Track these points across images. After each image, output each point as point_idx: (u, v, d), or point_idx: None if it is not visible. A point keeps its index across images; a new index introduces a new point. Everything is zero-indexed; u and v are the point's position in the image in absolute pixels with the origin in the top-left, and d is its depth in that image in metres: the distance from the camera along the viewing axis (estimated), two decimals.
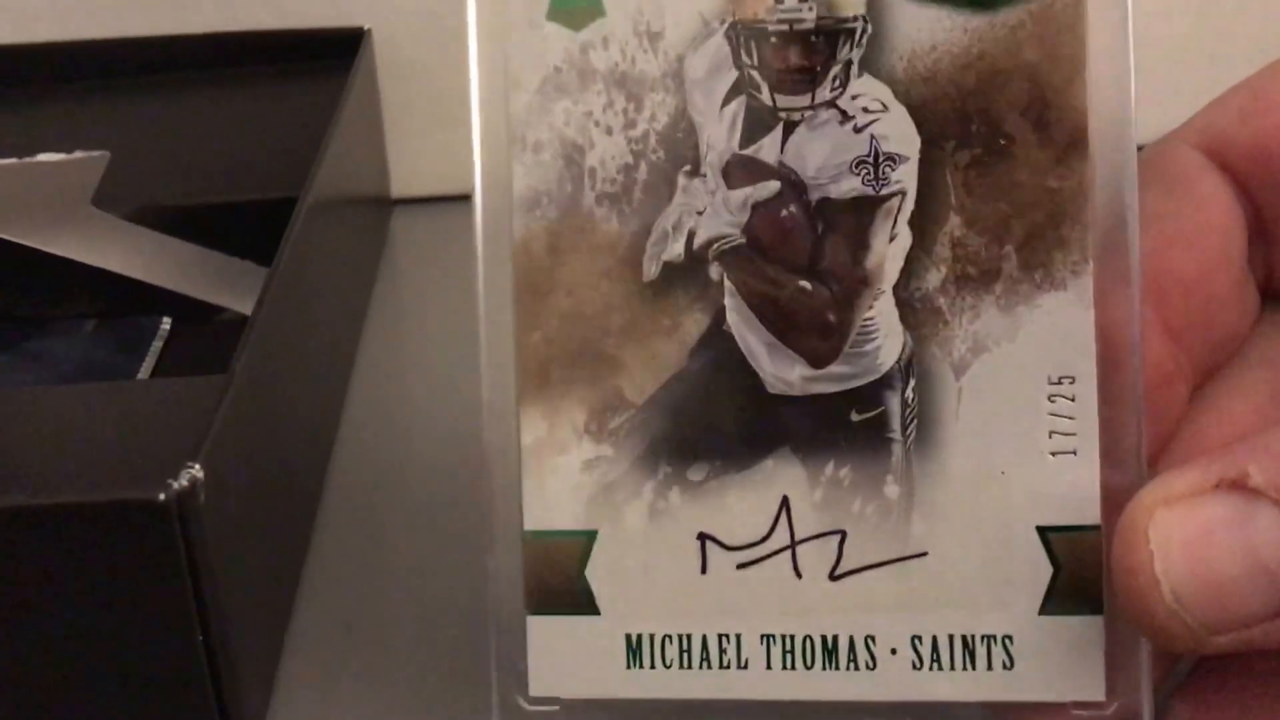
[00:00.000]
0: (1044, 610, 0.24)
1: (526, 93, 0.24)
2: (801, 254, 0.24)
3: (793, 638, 0.24)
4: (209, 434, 0.26)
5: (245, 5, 0.47)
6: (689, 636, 0.25)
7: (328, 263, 0.38)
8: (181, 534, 0.25)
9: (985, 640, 0.24)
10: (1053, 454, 0.24)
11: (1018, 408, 0.24)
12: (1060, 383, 0.24)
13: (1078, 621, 0.24)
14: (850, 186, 0.24)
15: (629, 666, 0.25)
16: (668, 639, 0.25)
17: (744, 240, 0.24)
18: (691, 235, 0.24)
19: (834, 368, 0.24)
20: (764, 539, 0.24)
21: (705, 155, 0.24)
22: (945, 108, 0.24)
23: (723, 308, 0.24)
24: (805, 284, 0.24)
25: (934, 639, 0.24)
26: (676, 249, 0.24)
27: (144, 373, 0.36)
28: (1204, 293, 0.24)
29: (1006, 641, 0.24)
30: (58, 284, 0.38)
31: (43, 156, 0.41)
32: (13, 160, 0.41)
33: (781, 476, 0.24)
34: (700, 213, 0.24)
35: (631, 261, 0.24)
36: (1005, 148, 0.23)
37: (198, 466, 0.25)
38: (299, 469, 0.34)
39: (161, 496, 0.24)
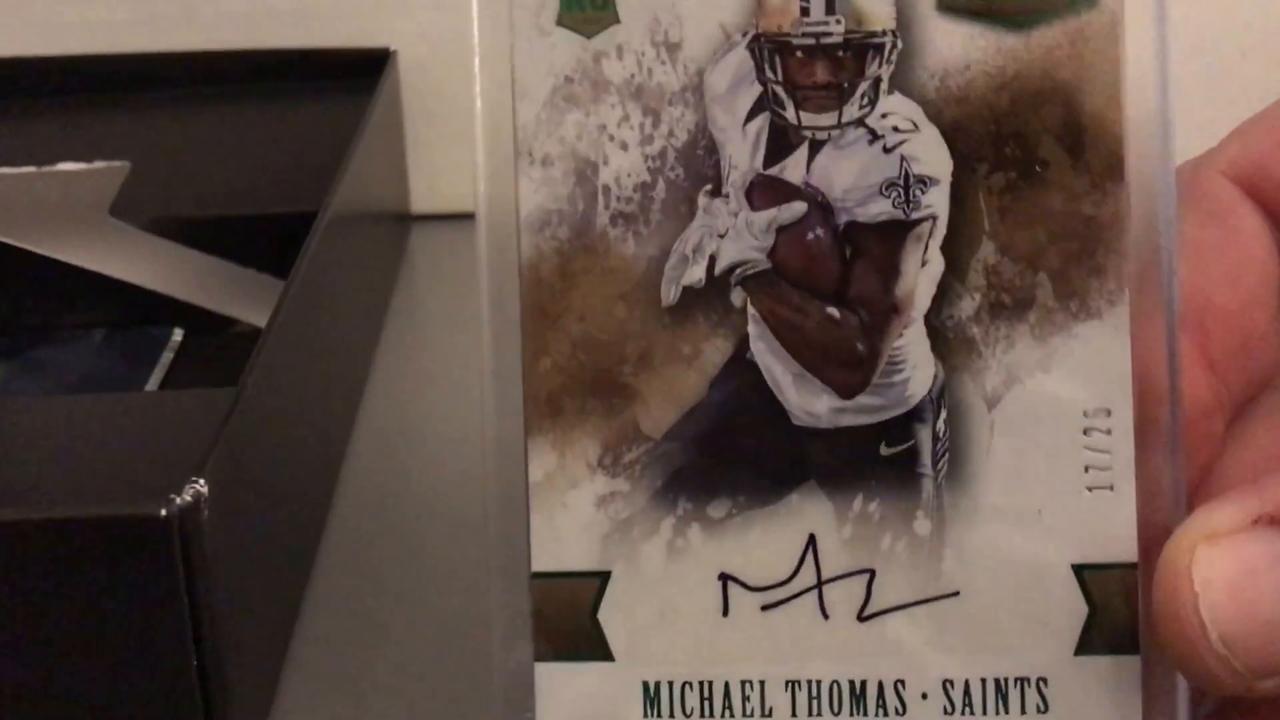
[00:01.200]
0: (1079, 650, 0.23)
1: (535, 103, 0.23)
2: (829, 280, 0.23)
3: (819, 683, 0.23)
4: (215, 448, 0.25)
5: (274, 24, 0.46)
6: (710, 684, 0.23)
7: (344, 277, 0.37)
8: (182, 551, 0.24)
9: (1019, 683, 0.23)
10: (1088, 489, 0.23)
11: (1052, 442, 0.23)
12: (1096, 416, 0.23)
13: (1114, 662, 0.23)
14: (880, 209, 0.23)
15: (645, 716, 0.23)
16: (687, 686, 0.23)
17: (769, 265, 0.23)
18: (713, 259, 0.23)
19: (862, 399, 0.23)
20: (789, 579, 0.23)
21: (727, 174, 0.23)
22: (979, 129, 0.23)
23: (746, 336, 0.23)
24: (833, 311, 0.23)
25: (966, 683, 0.23)
26: (697, 273, 0.23)
27: (153, 384, 0.36)
28: (1244, 326, 0.24)
29: (1041, 684, 0.23)
30: (68, 292, 0.38)
31: (62, 165, 0.41)
32: (32, 169, 0.41)
33: (807, 513, 0.23)
34: (722, 235, 0.23)
35: (648, 285, 0.23)
36: (1040, 173, 0.23)
37: (202, 481, 0.24)
38: (307, 487, 0.33)
39: (163, 512, 0.23)
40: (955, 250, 0.23)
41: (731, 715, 0.23)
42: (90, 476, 0.26)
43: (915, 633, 0.23)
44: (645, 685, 0.23)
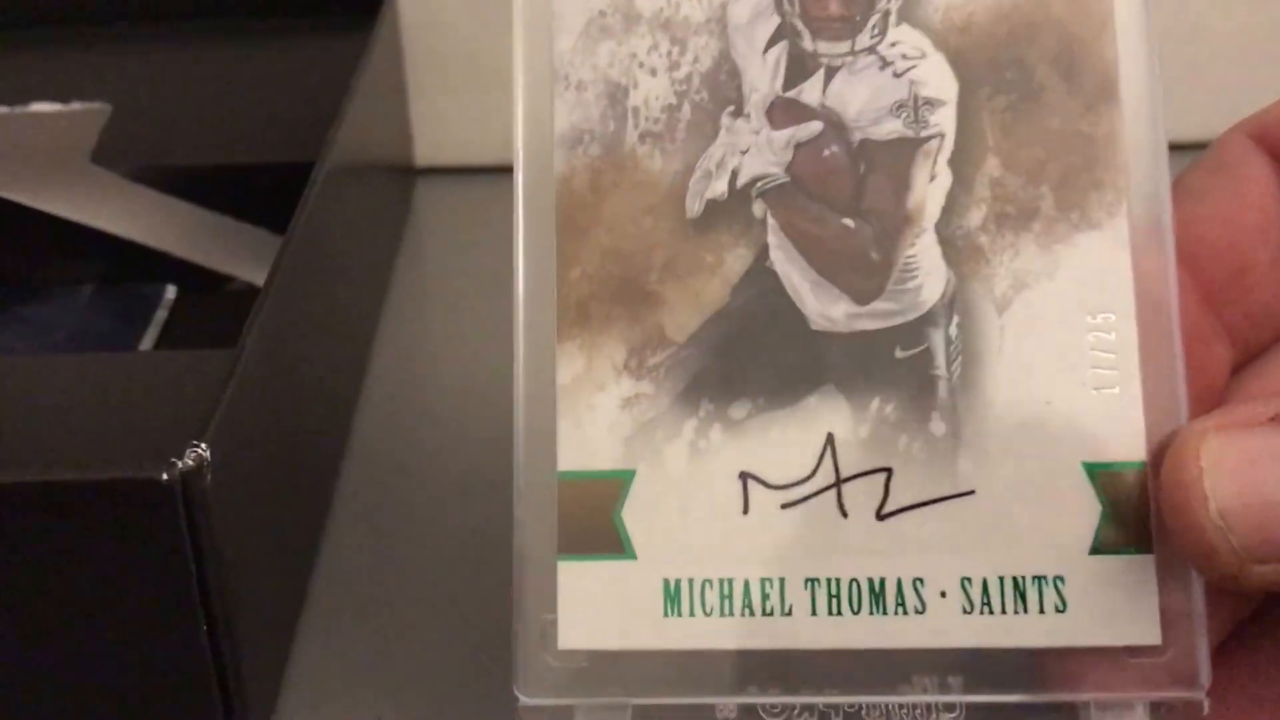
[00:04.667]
0: (1094, 550, 0.23)
1: (571, 35, 0.25)
2: (844, 193, 0.24)
3: (839, 581, 0.23)
4: (216, 411, 0.24)
5: None
6: (730, 581, 0.23)
7: (346, 232, 0.35)
8: (186, 517, 0.23)
9: (1036, 581, 0.23)
10: (1095, 389, 0.24)
11: (1060, 344, 0.24)
12: (1100, 318, 0.24)
13: (1128, 561, 0.23)
14: (891, 129, 0.24)
15: (666, 614, 0.23)
16: (707, 584, 0.23)
17: (788, 179, 0.24)
18: (735, 174, 0.24)
19: (878, 304, 0.24)
20: (808, 477, 0.24)
21: (749, 97, 0.25)
22: (981, 56, 0.24)
23: (766, 245, 0.24)
24: (848, 221, 0.24)
25: (984, 581, 0.23)
26: (720, 187, 0.24)
27: (146, 344, 0.34)
28: (1237, 263, 0.25)
29: (1058, 583, 0.23)
30: (52, 245, 0.36)
31: (37, 106, 0.38)
32: (4, 109, 0.38)
33: (826, 413, 0.24)
34: (744, 152, 0.24)
35: (674, 199, 0.24)
36: (1038, 95, 0.24)
37: (204, 445, 0.23)
38: (313, 449, 0.32)
39: (165, 476, 0.23)
40: (962, 165, 0.24)
41: (751, 612, 0.23)
42: (88, 439, 0.25)
43: (933, 531, 0.23)
44: (666, 582, 0.23)
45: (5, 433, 0.25)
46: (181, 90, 0.40)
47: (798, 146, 0.24)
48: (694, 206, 0.24)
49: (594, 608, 0.23)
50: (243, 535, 0.25)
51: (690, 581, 0.23)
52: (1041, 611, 0.23)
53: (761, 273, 0.24)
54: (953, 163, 0.24)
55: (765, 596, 0.23)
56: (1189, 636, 0.23)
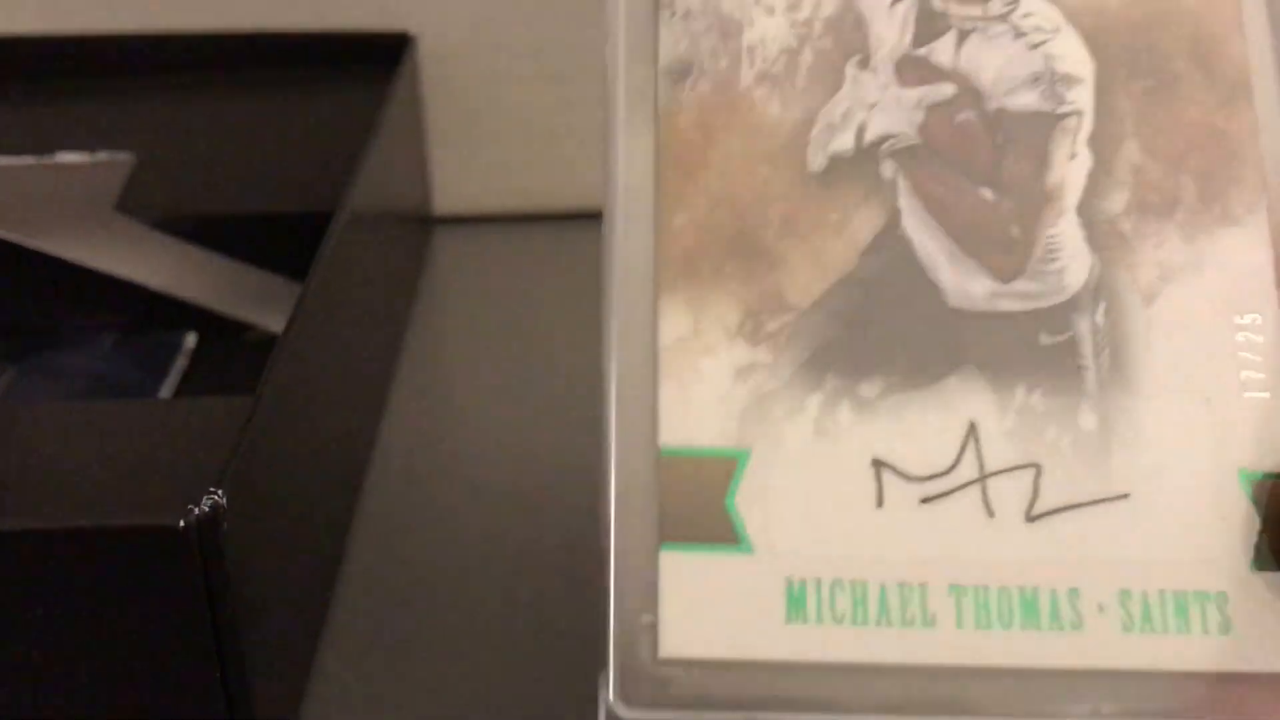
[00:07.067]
0: (1255, 565, 0.21)
1: None
2: (980, 163, 0.22)
3: (987, 590, 0.20)
4: (234, 458, 0.24)
5: (284, 4, 0.42)
6: (864, 585, 0.20)
7: (364, 281, 0.35)
8: (202, 564, 0.23)
9: (1199, 599, 0.20)
10: (1246, 393, 0.21)
11: (1209, 342, 0.22)
12: (1248, 320, 0.22)
13: None
14: (1028, 100, 0.22)
15: (789, 620, 0.19)
16: (838, 587, 0.20)
17: (920, 141, 0.22)
18: (862, 129, 0.22)
19: (1019, 284, 0.21)
20: (950, 469, 0.20)
21: (876, 49, 0.22)
22: (1115, 38, 0.23)
23: (898, 209, 0.21)
24: (986, 193, 0.22)
25: (1144, 596, 0.20)
26: (845, 141, 0.22)
27: (166, 391, 0.34)
28: None
29: (1221, 600, 0.20)
30: (75, 294, 0.35)
31: (63, 156, 0.38)
32: (30, 159, 0.38)
33: (967, 398, 0.21)
34: (872, 106, 0.22)
35: (794, 149, 0.21)
36: (1175, 84, 0.23)
37: (220, 492, 0.23)
38: (329, 497, 0.31)
39: (181, 523, 0.22)
40: (1101, 146, 0.22)
41: (888, 622, 0.20)
42: (105, 486, 0.24)
43: (1087, 537, 0.20)
44: (789, 582, 0.19)
45: (23, 480, 0.24)
46: (204, 141, 0.40)
47: (929, 108, 0.22)
48: (816, 159, 0.21)
49: (703, 608, 0.19)
50: (258, 582, 0.25)
51: (818, 583, 0.20)
52: (1205, 632, 0.20)
53: (893, 239, 0.21)
54: (1092, 143, 0.22)
55: (905, 604, 0.20)
56: None
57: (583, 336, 0.37)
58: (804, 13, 0.22)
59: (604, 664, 0.19)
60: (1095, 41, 0.23)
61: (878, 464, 0.20)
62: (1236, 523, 0.21)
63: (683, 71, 0.21)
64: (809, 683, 0.19)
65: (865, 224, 0.21)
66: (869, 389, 0.20)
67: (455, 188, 0.44)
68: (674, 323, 0.20)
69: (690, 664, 0.19)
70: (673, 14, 0.22)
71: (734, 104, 0.21)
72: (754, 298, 0.21)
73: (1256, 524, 0.21)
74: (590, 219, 0.44)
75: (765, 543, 0.20)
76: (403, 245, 0.42)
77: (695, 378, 0.20)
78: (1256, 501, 0.21)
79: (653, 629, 0.19)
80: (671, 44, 0.21)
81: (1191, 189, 0.22)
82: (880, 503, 0.20)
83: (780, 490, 0.20)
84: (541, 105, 0.43)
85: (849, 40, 0.22)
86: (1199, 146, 0.22)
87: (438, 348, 0.39)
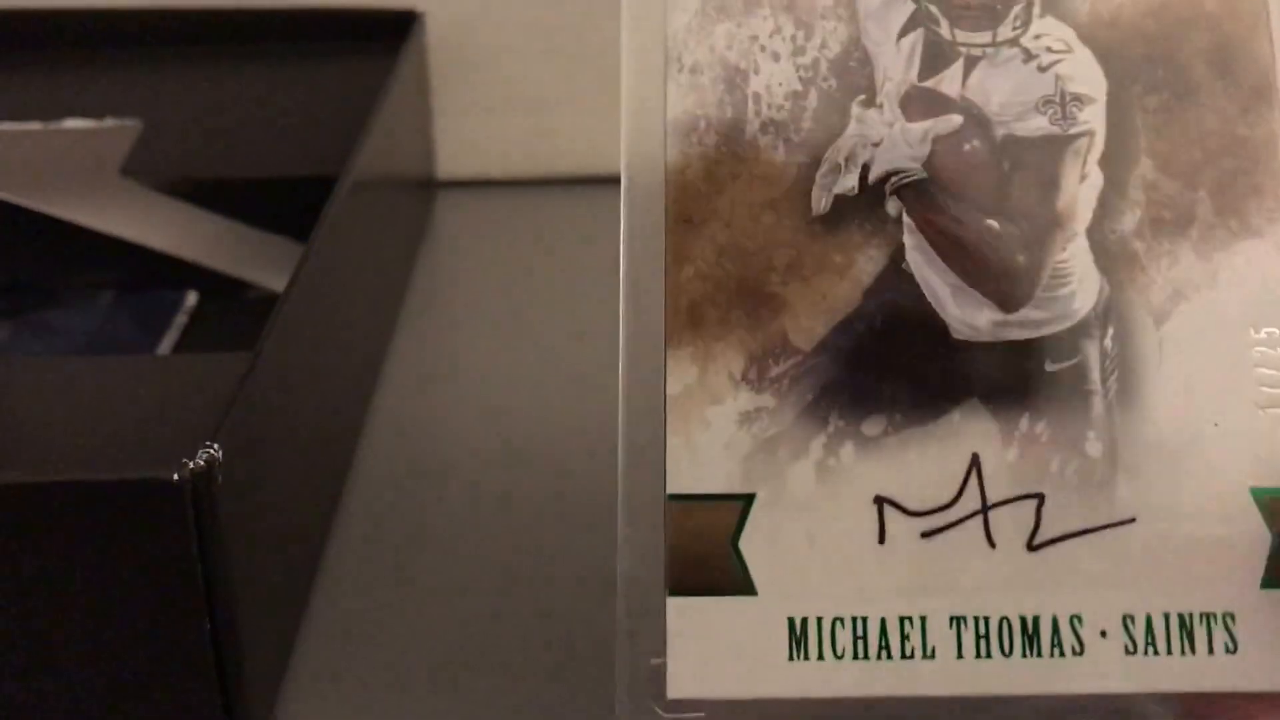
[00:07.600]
0: (1265, 583, 0.21)
1: (685, 13, 0.23)
2: (987, 192, 0.22)
3: (987, 620, 0.21)
4: (229, 413, 0.24)
5: None
6: (863, 620, 0.21)
7: (366, 243, 0.36)
8: (195, 517, 0.23)
9: (1205, 619, 0.21)
10: (1262, 409, 0.21)
11: (1223, 360, 0.22)
12: (1264, 334, 0.22)
13: None
14: (1037, 125, 0.22)
15: (792, 658, 0.21)
16: (839, 623, 0.21)
17: (925, 175, 0.22)
18: (866, 168, 0.22)
19: (1025, 312, 0.22)
20: (951, 503, 0.21)
21: (881, 86, 0.22)
22: (1131, 52, 0.23)
23: (901, 246, 0.22)
24: (992, 223, 0.22)
25: (1148, 618, 0.21)
26: (850, 181, 0.22)
27: (164, 348, 0.34)
28: None
29: (1228, 620, 0.21)
30: (76, 253, 0.36)
31: (71, 123, 0.39)
32: (39, 125, 0.39)
33: (970, 431, 0.21)
34: (876, 144, 0.22)
35: (798, 193, 0.22)
36: (1192, 94, 0.22)
37: (216, 446, 0.23)
38: (324, 454, 0.31)
39: (175, 476, 0.22)
40: (1113, 166, 0.22)
41: (888, 655, 0.21)
42: (100, 440, 0.24)
43: (1091, 563, 0.21)
44: (791, 622, 0.21)
45: (21, 433, 0.24)
46: (211, 108, 0.41)
47: (936, 140, 0.22)
48: (821, 202, 0.22)
49: (710, 650, 0.21)
50: (252, 536, 0.25)
51: (819, 620, 0.21)
52: (1210, 652, 0.21)
53: (896, 275, 0.22)
54: (1103, 163, 0.22)
55: (905, 637, 0.21)
56: None
57: (580, 298, 0.38)
58: (809, 55, 0.23)
59: (615, 705, 0.20)
60: (1109, 58, 0.22)
61: (880, 501, 0.21)
62: (1247, 542, 0.21)
63: (691, 125, 0.22)
64: (813, 718, 0.21)
65: (869, 262, 0.22)
66: (872, 428, 0.21)
67: (459, 153, 0.45)
68: (681, 374, 0.22)
69: (698, 704, 0.21)
70: (680, 68, 0.22)
71: (740, 154, 0.22)
72: (758, 344, 0.22)
73: (1268, 542, 0.21)
74: (588, 184, 0.44)
75: (770, 584, 0.21)
76: (406, 209, 0.42)
77: (701, 426, 0.21)
78: (1270, 518, 0.21)
79: (661, 671, 0.21)
80: (679, 98, 0.22)
81: (1207, 203, 0.22)
82: (882, 539, 0.21)
83: (784, 532, 0.21)
84: (543, 77, 0.44)
85: (854, 79, 0.22)
86: (1217, 157, 0.22)
87: (437, 308, 0.40)
